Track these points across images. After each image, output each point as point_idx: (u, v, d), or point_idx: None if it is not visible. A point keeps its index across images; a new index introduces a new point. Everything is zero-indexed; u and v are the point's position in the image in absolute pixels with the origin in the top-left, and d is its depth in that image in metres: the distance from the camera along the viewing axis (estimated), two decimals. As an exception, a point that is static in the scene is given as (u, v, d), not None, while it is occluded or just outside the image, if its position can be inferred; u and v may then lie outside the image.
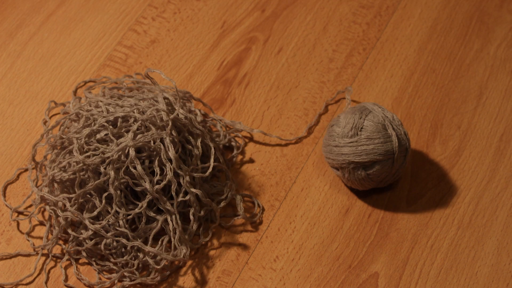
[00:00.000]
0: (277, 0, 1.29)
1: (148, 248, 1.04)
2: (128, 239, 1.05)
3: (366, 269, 1.07)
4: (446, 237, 1.09)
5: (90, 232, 1.04)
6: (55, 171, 1.05)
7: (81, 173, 1.05)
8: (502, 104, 1.20)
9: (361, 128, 1.07)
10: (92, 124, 1.06)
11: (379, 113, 1.08)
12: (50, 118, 1.17)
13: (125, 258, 1.05)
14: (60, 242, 1.07)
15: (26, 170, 1.13)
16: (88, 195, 1.05)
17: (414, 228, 1.10)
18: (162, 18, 1.27)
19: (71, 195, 1.05)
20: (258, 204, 1.11)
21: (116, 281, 1.04)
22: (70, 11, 1.27)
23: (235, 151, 1.14)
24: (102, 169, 1.03)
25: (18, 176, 1.13)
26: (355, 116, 1.07)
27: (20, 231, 1.09)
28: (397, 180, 1.13)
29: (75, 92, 1.19)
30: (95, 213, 1.04)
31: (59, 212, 1.05)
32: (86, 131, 1.06)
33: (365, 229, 1.10)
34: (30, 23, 1.26)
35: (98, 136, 1.05)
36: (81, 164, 1.04)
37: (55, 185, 1.07)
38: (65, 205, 1.06)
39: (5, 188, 1.12)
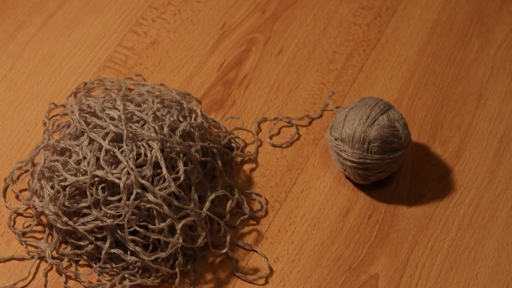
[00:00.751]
0: (277, 1, 1.29)
1: (149, 263, 1.03)
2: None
3: (366, 270, 1.07)
4: (446, 238, 1.09)
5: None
6: (54, 190, 1.05)
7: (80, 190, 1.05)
8: (502, 105, 1.20)
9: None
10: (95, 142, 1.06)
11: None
12: (49, 119, 1.17)
13: (126, 261, 1.04)
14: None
15: (27, 171, 1.13)
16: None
17: (414, 229, 1.10)
18: (162, 19, 1.27)
19: (71, 221, 1.04)
20: (260, 195, 1.11)
21: (117, 283, 1.04)
22: (70, 12, 1.27)
23: (235, 152, 1.14)
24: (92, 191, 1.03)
25: (18, 177, 1.13)
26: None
27: (19, 233, 1.09)
28: (397, 180, 1.13)
29: (75, 94, 1.19)
30: (92, 226, 1.04)
31: (58, 224, 1.05)
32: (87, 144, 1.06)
33: (365, 230, 1.10)
34: (30, 24, 1.26)
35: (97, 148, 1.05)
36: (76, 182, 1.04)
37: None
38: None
39: (5, 189, 1.12)
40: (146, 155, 1.04)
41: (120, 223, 1.02)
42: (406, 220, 1.11)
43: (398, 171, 1.14)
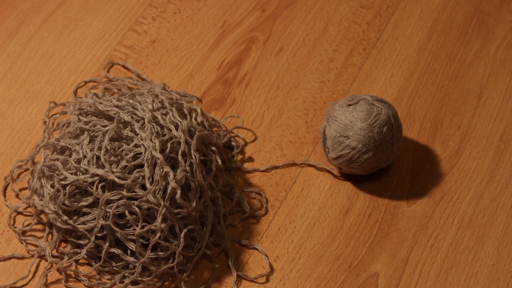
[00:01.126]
0: (277, 0, 1.29)
1: (150, 267, 1.03)
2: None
3: (366, 269, 1.07)
4: (446, 237, 1.10)
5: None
6: (54, 189, 1.05)
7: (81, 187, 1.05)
8: (502, 104, 1.20)
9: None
10: (98, 141, 1.05)
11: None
12: (49, 118, 1.17)
13: (126, 260, 1.04)
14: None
15: (27, 170, 1.13)
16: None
17: (414, 228, 1.10)
18: (162, 18, 1.27)
19: (71, 219, 1.04)
20: (260, 194, 1.11)
21: (117, 282, 1.04)
22: (70, 11, 1.27)
23: (235, 150, 1.14)
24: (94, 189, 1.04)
25: (18, 176, 1.13)
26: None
27: (18, 232, 1.09)
28: (397, 178, 1.13)
29: (75, 92, 1.19)
30: (92, 225, 1.03)
31: (58, 223, 1.04)
32: (88, 143, 1.06)
33: (365, 229, 1.10)
34: (30, 23, 1.26)
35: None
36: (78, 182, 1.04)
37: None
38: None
39: (5, 188, 1.12)
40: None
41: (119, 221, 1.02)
42: (406, 218, 1.11)
43: (396, 169, 1.14)
